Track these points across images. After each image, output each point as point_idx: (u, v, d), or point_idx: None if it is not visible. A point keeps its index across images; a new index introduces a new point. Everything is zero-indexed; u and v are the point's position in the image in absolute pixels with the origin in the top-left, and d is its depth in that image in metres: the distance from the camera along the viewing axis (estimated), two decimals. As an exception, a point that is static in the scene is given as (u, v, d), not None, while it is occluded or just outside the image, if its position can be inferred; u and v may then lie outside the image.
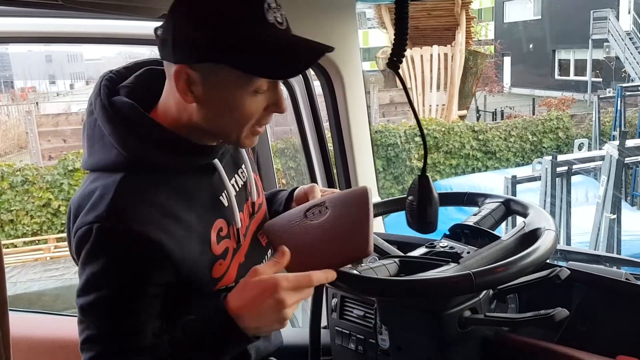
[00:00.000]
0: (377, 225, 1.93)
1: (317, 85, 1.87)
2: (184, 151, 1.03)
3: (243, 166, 1.22)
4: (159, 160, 1.01)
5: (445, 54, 13.89)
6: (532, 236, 1.20)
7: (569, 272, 1.16)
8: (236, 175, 1.19)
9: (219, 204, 1.10)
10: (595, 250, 5.00)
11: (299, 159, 2.03)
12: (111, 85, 1.06)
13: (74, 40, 1.69)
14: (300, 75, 1.83)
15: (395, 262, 1.23)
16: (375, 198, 1.93)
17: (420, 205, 1.09)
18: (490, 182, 6.86)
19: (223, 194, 1.11)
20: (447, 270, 1.13)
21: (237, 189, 1.17)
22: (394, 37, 1.02)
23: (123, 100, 1.02)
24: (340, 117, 1.82)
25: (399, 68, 1.02)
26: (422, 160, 1.12)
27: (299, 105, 1.88)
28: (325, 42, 0.84)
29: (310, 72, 1.85)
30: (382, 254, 1.31)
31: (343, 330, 1.64)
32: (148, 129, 1.00)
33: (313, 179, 1.96)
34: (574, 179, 5.35)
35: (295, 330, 2.22)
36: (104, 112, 1.01)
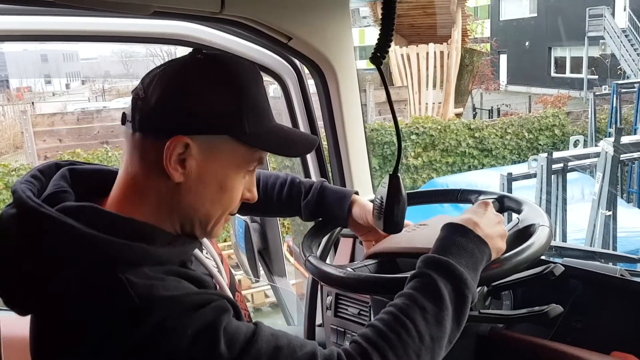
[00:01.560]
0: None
1: (311, 84, 1.87)
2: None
3: None
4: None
5: (442, 52, 13.90)
6: (526, 232, 1.20)
7: (563, 268, 1.16)
8: None
9: None
10: (590, 246, 5.01)
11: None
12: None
13: (69, 38, 1.68)
14: (294, 74, 1.83)
15: (385, 259, 1.23)
16: (370, 196, 1.93)
17: (388, 205, 1.09)
18: (487, 179, 6.86)
19: None
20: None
21: None
22: (379, 32, 1.02)
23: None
24: (335, 115, 1.81)
25: (381, 64, 1.01)
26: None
27: (293, 104, 1.88)
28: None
29: (304, 71, 1.84)
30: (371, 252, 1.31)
31: (338, 328, 1.64)
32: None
33: (307, 177, 1.95)
34: (570, 176, 5.36)
35: (290, 328, 2.22)
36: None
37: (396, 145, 1.13)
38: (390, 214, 1.09)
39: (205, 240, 1.06)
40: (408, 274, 1.09)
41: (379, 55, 1.01)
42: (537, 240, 1.11)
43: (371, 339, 0.83)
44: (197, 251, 1.00)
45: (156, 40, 1.77)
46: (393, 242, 1.25)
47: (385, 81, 1.10)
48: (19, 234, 0.81)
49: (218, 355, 0.75)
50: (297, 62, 1.80)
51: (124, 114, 0.89)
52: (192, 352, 0.74)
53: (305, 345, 0.82)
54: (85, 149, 8.78)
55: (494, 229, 1.01)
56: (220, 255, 1.09)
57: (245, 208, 1.39)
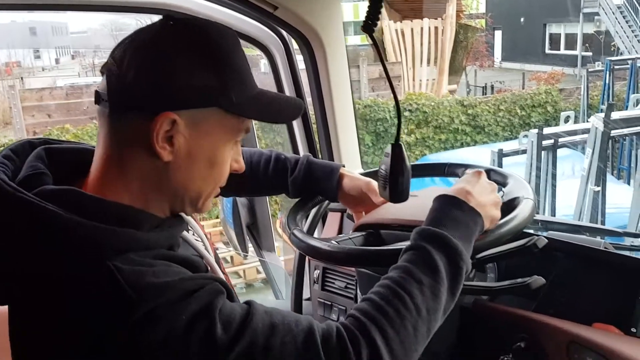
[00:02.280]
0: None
1: (300, 60, 1.85)
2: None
3: None
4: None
5: (436, 28, 13.78)
6: (510, 205, 1.20)
7: (547, 241, 1.16)
8: None
9: None
10: (579, 221, 5.05)
11: (286, 133, 2.01)
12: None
13: (58, 7, 1.65)
14: (282, 46, 1.81)
15: (372, 231, 1.23)
16: (359, 170, 1.93)
17: (393, 174, 1.08)
18: (479, 156, 6.88)
19: None
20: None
21: None
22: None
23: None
24: (323, 89, 1.80)
25: (373, 32, 0.99)
26: (402, 131, 1.12)
27: (281, 77, 1.86)
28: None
29: (293, 45, 1.82)
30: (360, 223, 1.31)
31: (325, 302, 1.66)
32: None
33: (295, 153, 1.95)
34: (560, 152, 5.37)
35: (278, 302, 2.24)
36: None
37: (390, 122, 1.12)
38: (395, 184, 1.08)
39: (191, 220, 1.04)
40: (393, 247, 1.10)
41: (370, 22, 0.98)
42: (521, 213, 1.12)
43: (369, 313, 0.83)
44: (184, 233, 0.98)
45: (140, 10, 1.74)
46: (382, 213, 1.25)
47: (379, 50, 1.08)
48: None
49: (215, 339, 0.73)
50: (284, 34, 1.78)
51: (97, 93, 0.84)
52: (188, 338, 0.72)
53: (301, 320, 0.81)
54: (74, 125, 8.71)
55: (487, 197, 1.01)
56: (204, 232, 1.08)
57: (233, 189, 1.36)
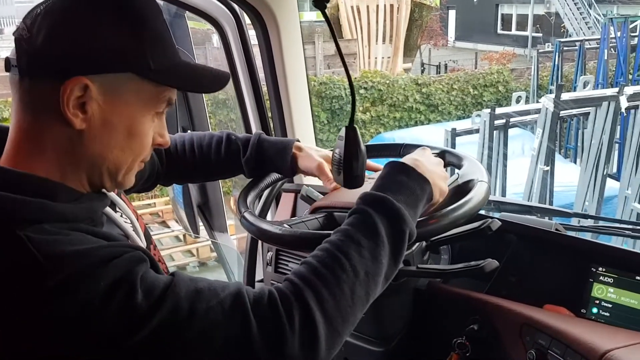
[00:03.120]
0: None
1: (252, 36, 1.79)
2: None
3: None
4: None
5: (392, 5, 13.79)
6: (465, 188, 1.19)
7: (500, 223, 1.16)
8: None
9: None
10: (528, 201, 5.18)
11: (239, 110, 1.95)
12: None
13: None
14: (234, 20, 1.74)
15: (327, 214, 1.20)
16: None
17: (347, 159, 1.04)
18: (432, 134, 6.96)
19: None
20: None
21: None
22: None
23: None
24: (276, 66, 1.74)
25: (325, 7, 0.95)
26: (358, 109, 1.08)
27: (233, 54, 1.79)
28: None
29: (245, 20, 1.76)
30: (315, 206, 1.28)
31: (278, 284, 1.63)
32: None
33: (248, 131, 1.89)
34: (511, 131, 5.48)
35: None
36: None
37: (345, 99, 1.08)
38: (350, 169, 1.05)
39: (119, 201, 0.98)
40: None
41: None
42: (475, 196, 1.11)
43: (304, 276, 0.80)
44: (110, 211, 0.93)
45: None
46: (338, 196, 1.22)
47: (332, 27, 1.02)
48: None
49: (135, 306, 0.69)
50: (236, 7, 1.71)
51: (7, 59, 0.78)
52: (106, 307, 0.68)
53: (228, 286, 0.78)
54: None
55: (434, 168, 1.01)
56: (135, 213, 1.03)
57: (184, 175, 1.28)
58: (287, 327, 0.75)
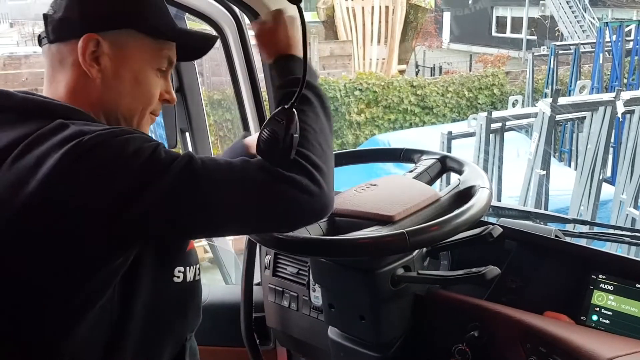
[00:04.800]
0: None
1: (252, 36, 1.78)
2: None
3: None
4: None
5: (387, 7, 13.78)
6: (466, 194, 1.20)
7: (502, 230, 1.16)
8: None
9: None
10: (524, 204, 5.18)
11: (236, 110, 1.94)
12: None
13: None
14: (233, 22, 1.73)
15: (328, 219, 1.20)
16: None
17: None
18: (427, 137, 6.95)
19: None
20: (381, 229, 1.11)
21: None
22: None
23: None
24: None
25: (300, 1, 0.94)
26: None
27: (232, 55, 1.78)
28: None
29: (245, 20, 1.75)
30: None
31: (276, 287, 1.62)
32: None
33: (246, 130, 1.89)
34: (506, 135, 5.48)
35: (228, 287, 2.19)
36: None
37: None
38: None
39: None
40: (348, 236, 1.07)
41: None
42: (477, 203, 1.11)
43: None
44: None
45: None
46: (340, 202, 1.22)
47: (304, 21, 0.99)
48: None
49: (160, 158, 0.84)
50: (236, 9, 1.70)
51: (39, 36, 0.97)
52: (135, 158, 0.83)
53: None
54: (12, 97, 8.27)
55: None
56: None
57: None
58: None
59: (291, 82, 1.02)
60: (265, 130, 0.93)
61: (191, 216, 0.86)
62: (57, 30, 0.95)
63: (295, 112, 0.93)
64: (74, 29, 0.93)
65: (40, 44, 0.98)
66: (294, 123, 0.93)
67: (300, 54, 1.05)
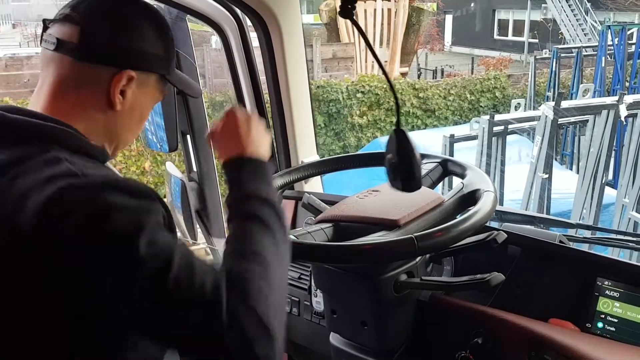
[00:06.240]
0: (315, 184, 1.88)
1: (254, 37, 1.77)
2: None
3: None
4: None
5: (389, 9, 13.78)
6: (471, 197, 1.18)
7: (506, 235, 1.14)
8: None
9: None
10: (526, 208, 5.16)
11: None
12: None
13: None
14: (235, 24, 1.72)
15: (333, 225, 1.18)
16: (314, 156, 1.88)
17: (403, 162, 1.00)
18: (429, 140, 6.93)
19: None
20: (387, 234, 1.09)
21: None
22: None
23: None
24: (278, 70, 1.73)
25: (352, 15, 0.91)
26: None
27: (234, 57, 1.77)
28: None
29: (247, 22, 1.74)
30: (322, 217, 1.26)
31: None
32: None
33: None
34: (508, 138, 5.46)
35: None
36: None
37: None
38: (407, 172, 1.01)
39: None
40: (352, 242, 1.06)
41: (349, 7, 0.91)
42: (483, 207, 1.09)
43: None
44: None
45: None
46: (343, 208, 1.21)
47: (363, 32, 0.99)
48: None
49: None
50: (238, 11, 1.69)
51: (58, 40, 0.92)
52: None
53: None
54: (14, 98, 8.26)
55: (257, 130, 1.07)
56: None
57: None
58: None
59: (239, 198, 0.95)
60: None
61: (139, 321, 0.79)
62: (94, 52, 0.92)
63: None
64: (114, 58, 0.93)
65: (57, 48, 0.92)
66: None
67: (254, 155, 1.01)
